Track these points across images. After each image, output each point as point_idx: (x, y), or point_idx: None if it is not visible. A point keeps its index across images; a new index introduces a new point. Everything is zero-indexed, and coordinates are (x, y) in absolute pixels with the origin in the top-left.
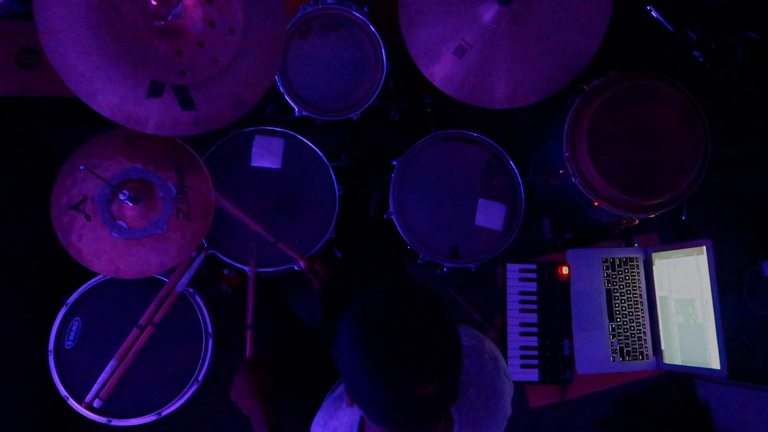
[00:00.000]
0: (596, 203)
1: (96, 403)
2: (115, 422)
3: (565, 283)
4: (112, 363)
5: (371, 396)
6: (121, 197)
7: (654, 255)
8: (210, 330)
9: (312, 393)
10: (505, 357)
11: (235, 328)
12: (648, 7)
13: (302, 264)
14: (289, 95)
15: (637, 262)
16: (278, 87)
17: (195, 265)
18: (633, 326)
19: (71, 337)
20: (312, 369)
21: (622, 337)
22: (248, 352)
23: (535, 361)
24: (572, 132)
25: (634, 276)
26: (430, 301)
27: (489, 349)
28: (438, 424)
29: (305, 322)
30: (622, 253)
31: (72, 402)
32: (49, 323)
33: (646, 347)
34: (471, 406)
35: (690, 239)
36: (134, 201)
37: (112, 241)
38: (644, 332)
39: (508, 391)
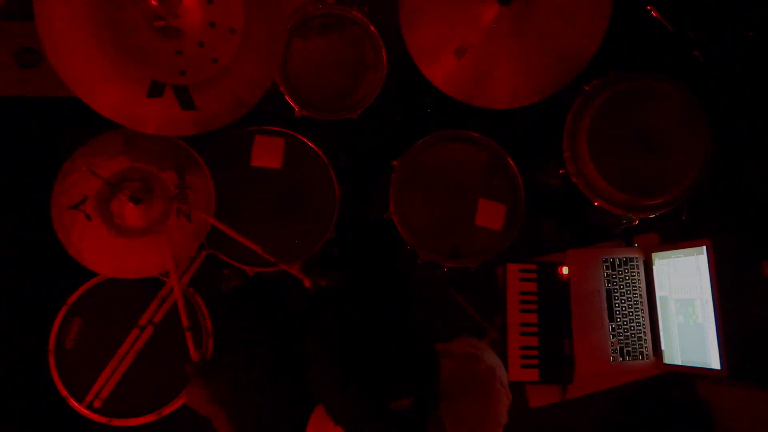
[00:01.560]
0: (596, 203)
1: (96, 403)
2: (115, 422)
3: (565, 283)
4: (112, 363)
5: (345, 413)
6: (122, 197)
7: (654, 255)
8: (210, 330)
9: (307, 391)
10: (505, 357)
11: (235, 328)
12: (648, 7)
13: (306, 284)
14: (289, 95)
15: (637, 262)
16: (278, 87)
17: (195, 265)
18: (633, 326)
19: (71, 337)
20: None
21: (622, 337)
22: (192, 354)
23: (535, 361)
24: (572, 132)
25: (634, 276)
26: (402, 312)
27: (487, 359)
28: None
29: (300, 321)
30: (622, 253)
31: (72, 402)
32: (49, 323)
33: (646, 347)
34: (464, 414)
35: (690, 239)
36: (135, 201)
37: (112, 241)
38: (644, 332)
39: (504, 402)
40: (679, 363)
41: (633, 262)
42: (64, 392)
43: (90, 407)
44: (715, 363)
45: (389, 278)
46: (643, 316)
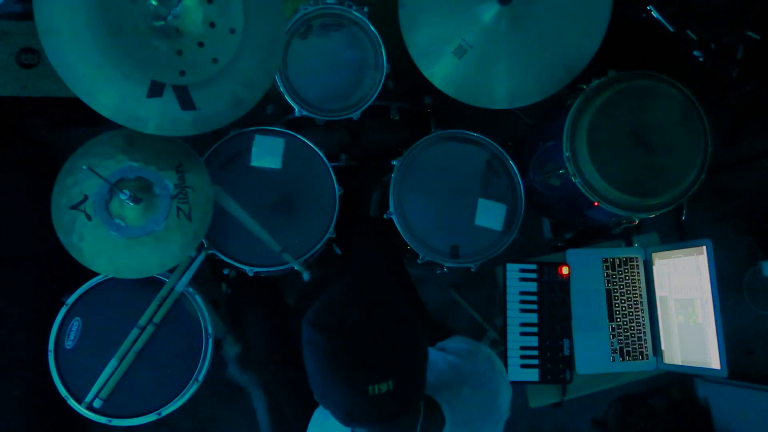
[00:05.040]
0: (596, 203)
1: (96, 403)
2: (115, 422)
3: (565, 283)
4: (112, 363)
5: (328, 396)
6: (122, 197)
7: (654, 255)
8: (210, 330)
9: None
10: (505, 357)
11: (235, 328)
12: (648, 7)
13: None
14: (289, 95)
15: (637, 262)
16: (278, 87)
17: (195, 265)
18: (633, 326)
19: (71, 337)
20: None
21: (622, 337)
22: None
23: (535, 361)
24: (572, 132)
25: (634, 276)
26: (390, 299)
27: (485, 351)
28: (415, 418)
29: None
30: (622, 253)
31: (72, 402)
32: (49, 323)
33: (646, 347)
34: (464, 406)
35: (690, 239)
36: (135, 201)
37: (113, 240)
38: (644, 332)
39: (505, 393)
40: (679, 363)
41: (633, 262)
42: (64, 392)
43: (90, 407)
44: (715, 363)
45: (379, 269)
46: (643, 316)
